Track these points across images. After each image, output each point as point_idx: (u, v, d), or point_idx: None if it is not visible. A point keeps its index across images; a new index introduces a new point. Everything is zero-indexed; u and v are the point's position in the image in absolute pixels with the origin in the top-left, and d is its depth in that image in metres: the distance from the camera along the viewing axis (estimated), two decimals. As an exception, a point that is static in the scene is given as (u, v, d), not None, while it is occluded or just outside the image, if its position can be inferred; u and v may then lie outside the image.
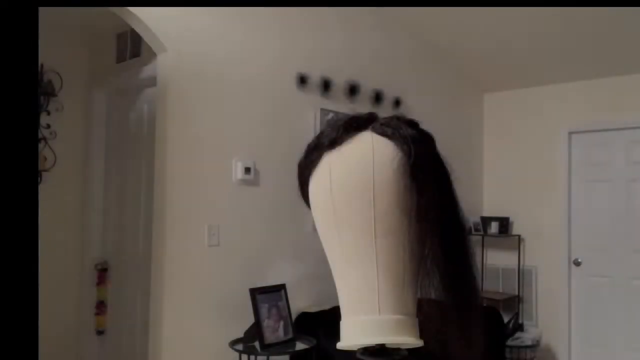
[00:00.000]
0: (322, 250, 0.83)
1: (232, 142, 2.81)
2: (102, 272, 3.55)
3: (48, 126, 3.42)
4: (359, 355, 0.76)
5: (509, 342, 4.00)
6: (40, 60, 3.32)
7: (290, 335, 2.65)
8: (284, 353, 2.63)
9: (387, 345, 0.75)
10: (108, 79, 3.56)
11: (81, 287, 3.58)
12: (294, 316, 2.80)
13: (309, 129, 3.18)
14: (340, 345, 0.75)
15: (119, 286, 3.49)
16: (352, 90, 3.43)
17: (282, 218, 3.03)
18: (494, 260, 4.69)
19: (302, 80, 3.15)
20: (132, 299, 3.36)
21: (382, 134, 0.76)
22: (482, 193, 4.86)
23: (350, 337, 0.74)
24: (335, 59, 3.38)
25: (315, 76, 3.22)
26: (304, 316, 3.00)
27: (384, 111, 3.58)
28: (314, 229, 0.84)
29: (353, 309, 0.75)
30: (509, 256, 4.58)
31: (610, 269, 4.20)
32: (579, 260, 4.33)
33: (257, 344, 2.54)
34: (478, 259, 4.60)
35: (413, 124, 0.79)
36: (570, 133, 4.40)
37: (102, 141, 3.65)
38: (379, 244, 0.74)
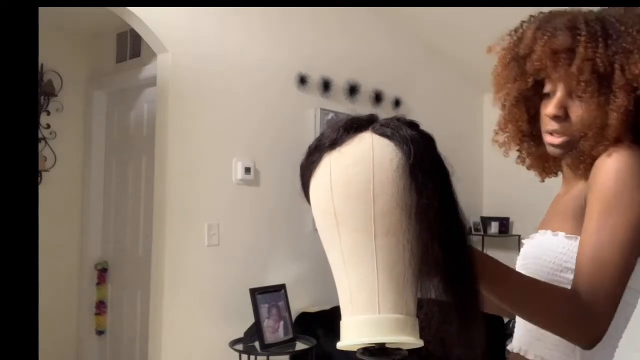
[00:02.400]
0: (322, 250, 0.83)
1: (232, 142, 2.81)
2: (102, 272, 3.55)
3: (48, 126, 3.42)
4: (359, 355, 0.76)
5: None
6: (40, 60, 3.32)
7: (290, 335, 2.65)
8: (284, 353, 2.63)
9: (387, 345, 0.75)
10: (108, 79, 3.56)
11: (81, 287, 3.58)
12: (294, 316, 2.81)
13: (309, 129, 3.18)
14: (340, 345, 0.75)
15: (119, 286, 3.49)
16: (352, 90, 3.43)
17: (282, 218, 3.03)
18: (494, 260, 4.68)
19: (302, 80, 3.15)
20: (132, 299, 3.36)
21: (382, 134, 0.77)
22: (482, 193, 4.86)
23: (350, 336, 0.74)
24: (335, 59, 3.38)
25: (315, 76, 3.22)
26: (304, 316, 3.00)
27: (384, 111, 3.58)
28: (314, 229, 0.84)
29: (353, 308, 0.75)
30: (509, 256, 4.55)
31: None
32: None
33: (257, 344, 2.54)
34: (478, 259, 4.59)
35: (413, 125, 0.80)
36: (570, 133, 4.39)
37: (102, 141, 3.65)
38: (379, 243, 0.74)
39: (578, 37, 0.92)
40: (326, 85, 3.28)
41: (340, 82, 3.37)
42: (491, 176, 4.84)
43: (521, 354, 1.06)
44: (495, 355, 3.66)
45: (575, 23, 0.94)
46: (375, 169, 0.74)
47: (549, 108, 0.97)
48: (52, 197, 3.39)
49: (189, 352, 2.61)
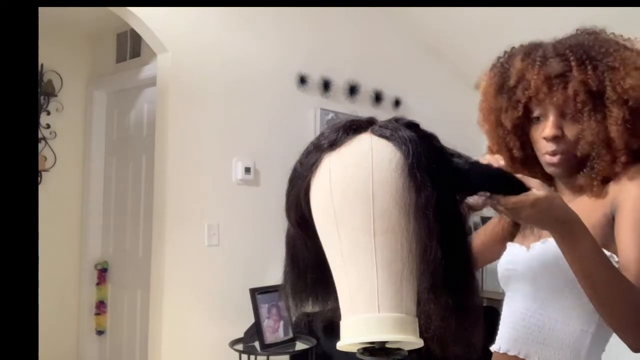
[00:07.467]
0: (322, 250, 0.83)
1: (232, 142, 2.81)
2: (102, 272, 3.54)
3: (48, 126, 3.42)
4: (359, 355, 0.76)
5: (509, 342, 3.98)
6: (40, 60, 3.32)
7: (290, 335, 2.65)
8: (284, 353, 2.63)
9: (388, 345, 0.75)
10: (108, 79, 3.55)
11: (81, 287, 3.58)
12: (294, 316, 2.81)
13: (309, 129, 3.17)
14: (340, 344, 0.76)
15: (119, 286, 3.49)
16: (352, 90, 3.43)
17: (282, 218, 3.00)
18: (494, 260, 4.68)
19: (302, 80, 3.15)
20: (132, 299, 3.36)
21: (381, 135, 0.77)
22: (482, 193, 4.85)
23: (350, 335, 0.74)
24: (335, 59, 3.38)
25: (315, 76, 3.22)
26: (304, 316, 3.00)
27: (384, 111, 3.58)
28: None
29: (353, 307, 0.75)
30: (508, 256, 4.56)
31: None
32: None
33: (257, 344, 2.54)
34: (478, 259, 4.58)
35: (413, 126, 0.80)
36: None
37: (102, 141, 3.65)
38: (378, 242, 0.74)
39: (567, 62, 1.00)
40: (326, 85, 3.28)
41: (340, 82, 3.37)
42: (491, 176, 4.83)
43: (520, 356, 1.06)
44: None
45: (560, 50, 1.02)
46: (374, 169, 0.75)
47: (547, 130, 1.02)
48: (52, 197, 3.39)
49: (189, 352, 2.61)
